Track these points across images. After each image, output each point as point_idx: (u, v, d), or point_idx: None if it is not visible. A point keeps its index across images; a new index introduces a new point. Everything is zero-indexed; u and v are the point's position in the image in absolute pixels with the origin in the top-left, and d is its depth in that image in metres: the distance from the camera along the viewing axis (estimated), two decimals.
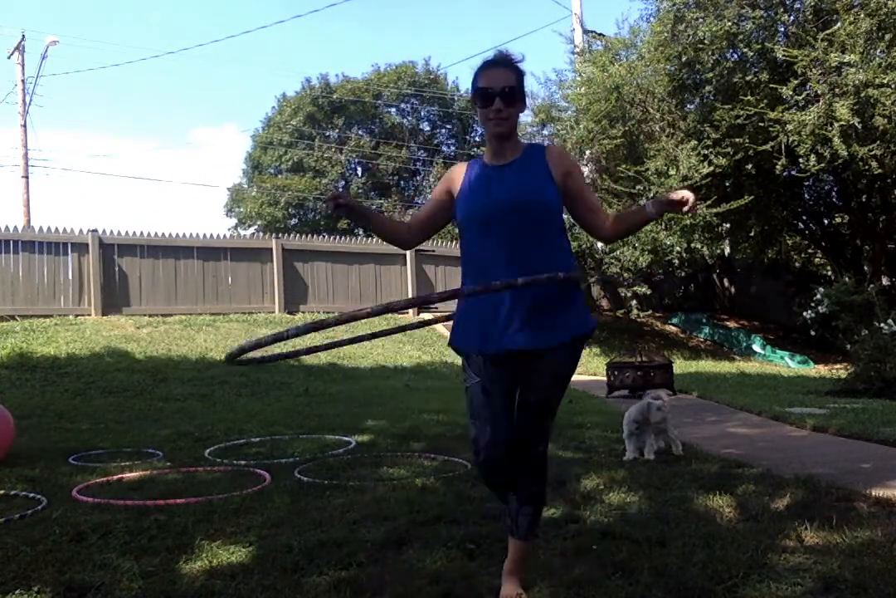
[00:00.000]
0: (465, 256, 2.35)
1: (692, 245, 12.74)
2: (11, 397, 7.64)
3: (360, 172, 28.32)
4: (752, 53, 12.37)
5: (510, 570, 2.33)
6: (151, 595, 2.36)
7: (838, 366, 11.58)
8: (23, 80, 21.84)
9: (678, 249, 12.56)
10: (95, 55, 55.58)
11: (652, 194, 12.49)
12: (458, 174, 2.39)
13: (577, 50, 15.76)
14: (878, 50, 11.33)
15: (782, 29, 12.70)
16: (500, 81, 2.23)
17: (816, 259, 18.03)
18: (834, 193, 15.33)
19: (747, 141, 12.05)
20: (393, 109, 28.60)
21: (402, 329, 2.77)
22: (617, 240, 2.30)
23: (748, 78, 12.29)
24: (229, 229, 28.19)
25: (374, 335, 2.74)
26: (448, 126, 29.71)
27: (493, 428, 2.23)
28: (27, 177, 21.34)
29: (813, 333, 12.19)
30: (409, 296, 14.48)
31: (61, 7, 55.86)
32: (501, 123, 2.25)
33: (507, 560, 2.36)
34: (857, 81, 10.85)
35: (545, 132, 14.53)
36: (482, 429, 2.25)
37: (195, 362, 9.88)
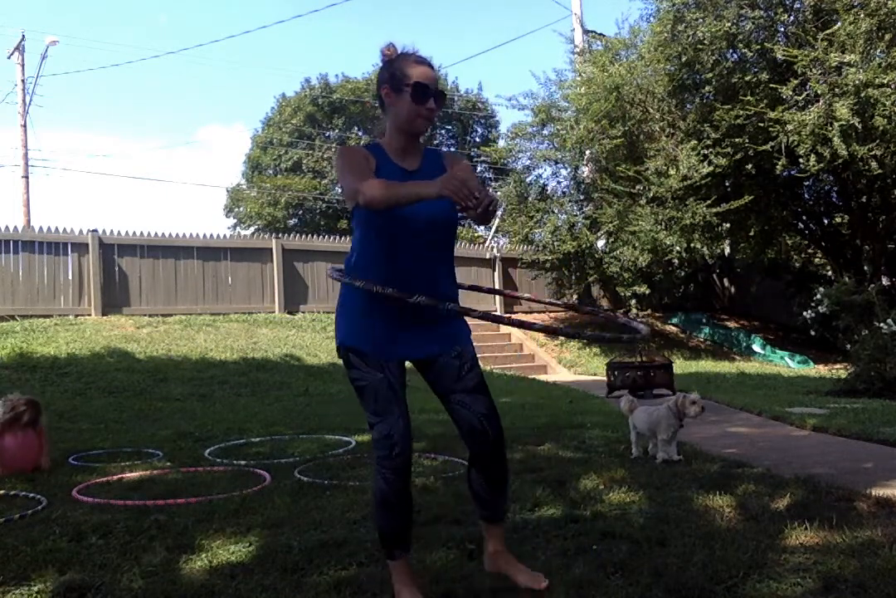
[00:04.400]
0: (373, 256, 2.25)
1: (692, 245, 12.73)
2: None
3: None
4: (751, 53, 12.36)
5: (506, 556, 2.38)
6: (151, 595, 2.36)
7: (838, 366, 11.56)
8: (23, 80, 21.86)
9: (678, 248, 12.55)
10: (95, 55, 55.71)
11: (652, 194, 12.49)
12: (370, 161, 2.23)
13: (577, 50, 15.77)
14: (878, 50, 11.32)
15: (782, 29, 12.69)
16: (434, 82, 2.23)
17: (816, 259, 18.00)
18: (834, 193, 15.30)
19: (747, 141, 12.04)
20: None
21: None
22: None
23: (748, 78, 12.28)
24: (228, 229, 28.24)
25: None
26: (448, 127, 29.71)
27: (406, 420, 2.23)
28: (27, 177, 21.36)
29: (813, 333, 12.19)
30: None
31: (61, 7, 55.91)
32: (427, 123, 2.26)
33: (494, 551, 2.39)
34: (857, 81, 10.84)
35: (545, 132, 14.52)
36: (395, 423, 2.20)
37: (195, 362, 9.88)
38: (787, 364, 14.35)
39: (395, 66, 2.24)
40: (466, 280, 15.05)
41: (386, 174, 2.19)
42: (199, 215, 53.31)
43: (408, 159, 2.29)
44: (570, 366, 13.15)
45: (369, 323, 2.25)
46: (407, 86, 2.19)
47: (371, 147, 2.30)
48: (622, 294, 14.89)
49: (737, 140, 12.10)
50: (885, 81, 10.83)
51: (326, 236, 16.62)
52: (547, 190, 14.96)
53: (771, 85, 11.77)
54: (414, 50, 2.28)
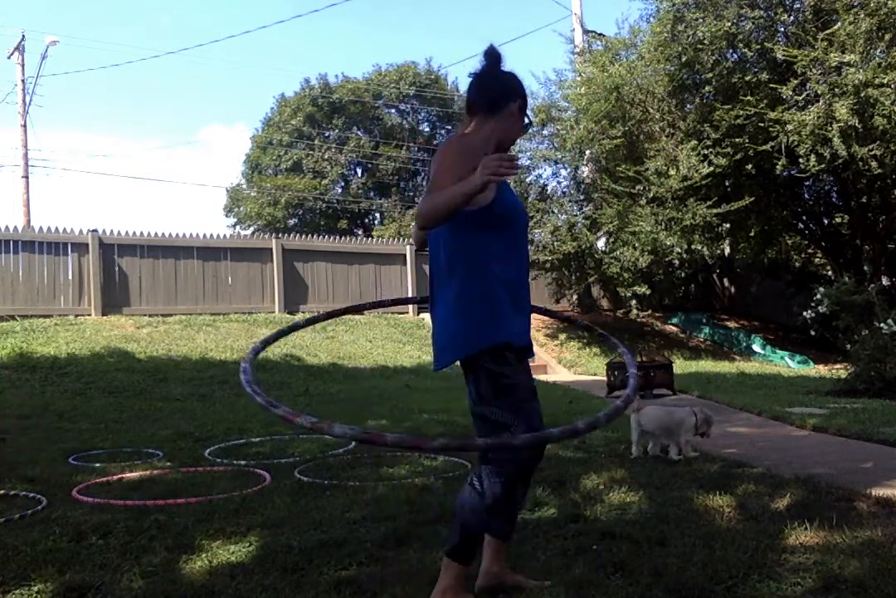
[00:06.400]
0: (501, 254, 2.21)
1: (692, 245, 12.72)
2: (11, 396, 7.64)
3: (360, 173, 28.31)
4: (751, 53, 12.36)
5: (505, 568, 2.38)
6: (151, 595, 2.36)
7: (838, 366, 11.55)
8: (23, 80, 21.85)
9: (678, 249, 12.54)
10: (95, 55, 55.71)
11: (652, 194, 12.48)
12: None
13: (577, 50, 15.76)
14: (878, 50, 11.32)
15: (782, 29, 12.69)
16: None
17: (816, 259, 18.00)
18: (834, 193, 15.30)
19: (747, 141, 12.04)
20: (393, 110, 28.57)
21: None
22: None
23: (748, 78, 12.28)
24: (228, 228, 28.24)
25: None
26: (448, 127, 29.68)
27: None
28: (27, 177, 21.36)
29: (813, 333, 12.15)
30: (409, 295, 14.44)
31: (61, 7, 55.92)
32: None
33: (497, 566, 2.35)
34: (856, 81, 10.84)
35: (545, 132, 14.52)
36: (537, 421, 2.18)
37: (195, 362, 9.87)
38: (787, 364, 14.34)
39: (523, 90, 2.36)
40: None
41: None
42: (199, 215, 53.36)
43: None
44: (570, 366, 13.15)
45: (509, 317, 2.19)
46: (525, 116, 2.37)
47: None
48: (622, 295, 14.88)
49: (737, 140, 12.10)
50: (885, 81, 10.83)
51: (326, 236, 16.62)
52: (547, 190, 14.96)
53: (771, 85, 11.77)
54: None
